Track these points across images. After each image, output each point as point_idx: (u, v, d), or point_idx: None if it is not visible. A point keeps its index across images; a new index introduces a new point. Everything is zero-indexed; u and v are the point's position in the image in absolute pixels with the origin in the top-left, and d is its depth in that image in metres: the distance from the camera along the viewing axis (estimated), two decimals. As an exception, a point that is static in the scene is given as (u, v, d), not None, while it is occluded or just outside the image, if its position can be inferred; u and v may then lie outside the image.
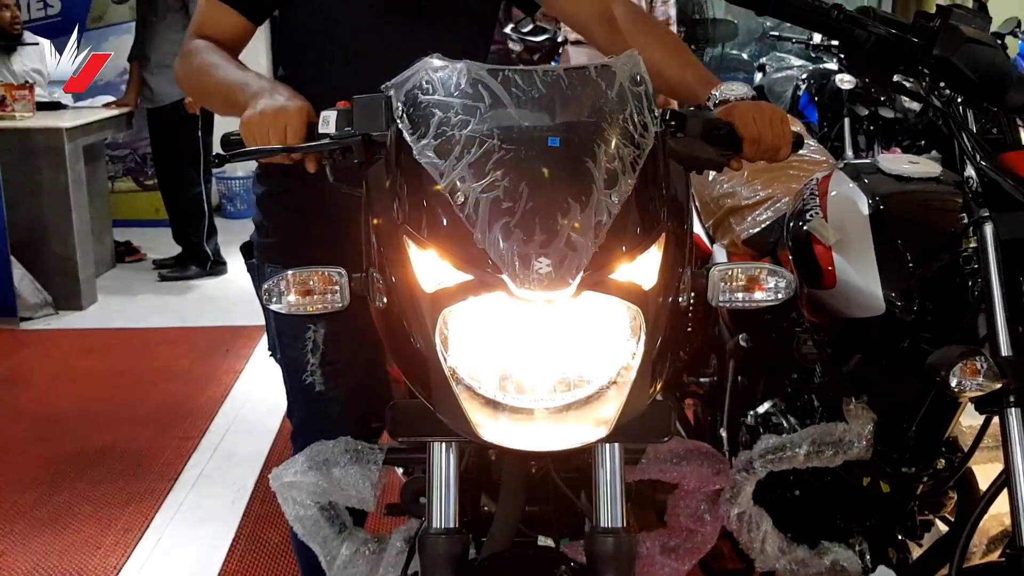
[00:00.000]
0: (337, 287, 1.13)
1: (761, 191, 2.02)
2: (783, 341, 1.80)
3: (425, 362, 1.03)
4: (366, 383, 1.69)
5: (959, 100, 1.22)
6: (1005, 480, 1.21)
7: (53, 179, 4.45)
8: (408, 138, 1.06)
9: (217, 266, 5.17)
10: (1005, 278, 1.21)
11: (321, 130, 1.20)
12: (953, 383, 1.16)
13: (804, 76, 5.25)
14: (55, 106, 4.81)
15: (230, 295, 4.83)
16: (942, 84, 1.22)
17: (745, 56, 8.04)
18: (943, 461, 1.49)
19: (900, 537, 1.64)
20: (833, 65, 5.02)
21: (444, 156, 1.02)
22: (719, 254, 2.09)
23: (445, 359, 1.01)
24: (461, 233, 0.99)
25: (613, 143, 1.05)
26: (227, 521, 2.64)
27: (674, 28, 4.36)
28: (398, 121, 1.10)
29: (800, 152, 2.08)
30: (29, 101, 4.54)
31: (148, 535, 2.57)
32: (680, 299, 1.11)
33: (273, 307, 1.13)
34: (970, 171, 1.25)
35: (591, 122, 1.06)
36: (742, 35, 7.91)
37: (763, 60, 6.33)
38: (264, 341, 1.80)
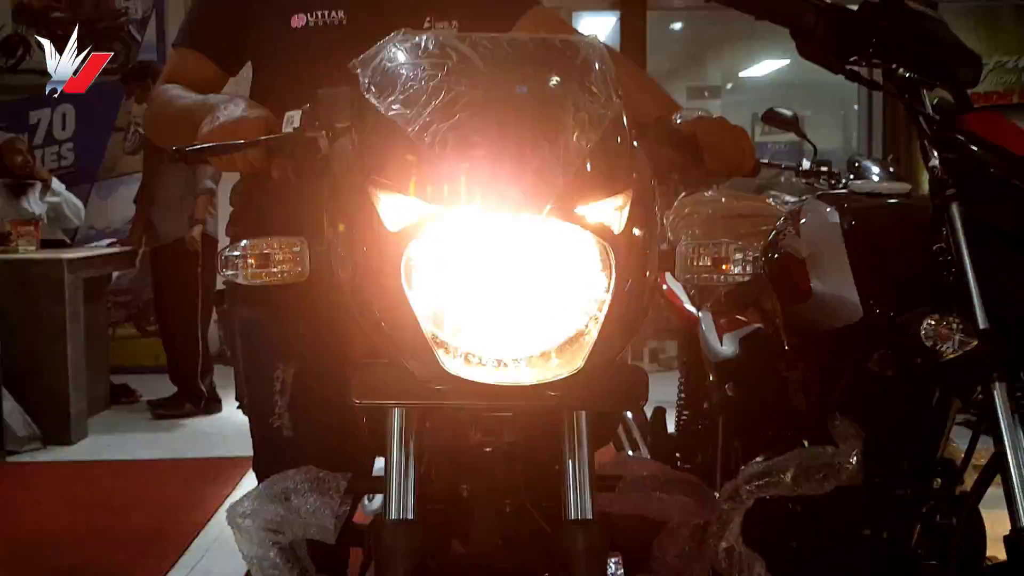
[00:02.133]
0: (298, 257, 1.09)
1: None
2: (773, 390, 1.75)
3: (390, 307, 0.98)
4: (334, 427, 1.62)
5: (914, 79, 1.23)
6: (997, 462, 1.13)
7: (51, 311, 4.47)
8: (375, 102, 1.04)
9: (212, 404, 5.11)
10: (985, 256, 1.18)
11: (286, 130, 1.20)
12: (927, 339, 1.10)
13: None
14: (59, 244, 4.91)
15: (223, 430, 4.76)
16: (894, 66, 1.24)
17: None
18: (939, 480, 1.40)
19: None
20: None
21: (411, 106, 1.00)
22: (705, 318, 2.06)
23: (412, 296, 0.96)
24: (429, 169, 0.97)
25: (580, 97, 1.04)
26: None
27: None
28: (365, 92, 1.07)
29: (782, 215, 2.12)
30: (34, 237, 4.64)
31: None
32: (647, 271, 1.08)
33: (229, 275, 1.09)
34: (935, 161, 1.25)
35: (557, 79, 1.06)
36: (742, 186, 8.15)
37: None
38: (251, 476, 1.73)
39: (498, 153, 0.95)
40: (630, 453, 2.32)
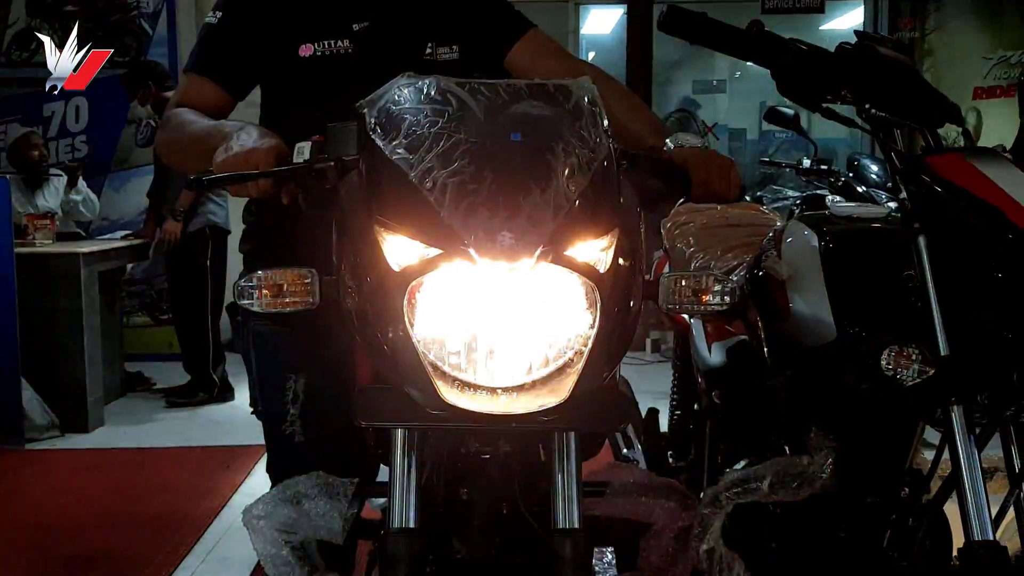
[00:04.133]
0: (309, 287, 1.19)
1: (732, 262, 2.10)
2: (756, 398, 1.84)
3: (394, 339, 1.07)
4: (344, 434, 1.72)
5: (886, 119, 1.32)
6: (954, 478, 1.22)
7: (68, 303, 4.58)
8: (380, 144, 1.14)
9: (224, 393, 5.23)
10: (948, 287, 1.26)
11: (295, 160, 1.29)
12: (887, 367, 1.19)
13: (798, 202, 5.44)
14: (74, 236, 5.02)
15: (235, 419, 4.86)
16: (867, 106, 1.32)
17: (747, 198, 8.29)
18: (907, 490, 1.50)
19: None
20: (824, 191, 5.20)
21: (414, 151, 1.10)
22: (696, 326, 2.15)
23: (413, 331, 1.06)
24: (430, 215, 1.05)
25: (570, 143, 1.13)
26: (215, 620, 2.60)
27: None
28: (371, 133, 1.16)
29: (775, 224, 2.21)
30: (50, 230, 4.75)
31: (135, 632, 2.53)
32: (631, 302, 1.17)
33: (244, 303, 1.19)
34: (904, 194, 1.33)
35: (550, 125, 1.15)
36: (743, 173, 8.19)
37: (760, 193, 6.56)
38: (264, 459, 1.84)
39: (493, 200, 1.04)
40: (625, 451, 2.41)
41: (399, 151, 1.11)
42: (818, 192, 5.35)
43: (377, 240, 1.10)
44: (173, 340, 5.51)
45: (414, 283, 1.05)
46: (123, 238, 5.10)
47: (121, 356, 5.47)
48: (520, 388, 1.06)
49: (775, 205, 6.05)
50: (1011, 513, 1.29)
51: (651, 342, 6.03)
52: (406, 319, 1.05)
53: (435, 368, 1.06)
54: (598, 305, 1.06)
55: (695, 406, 2.22)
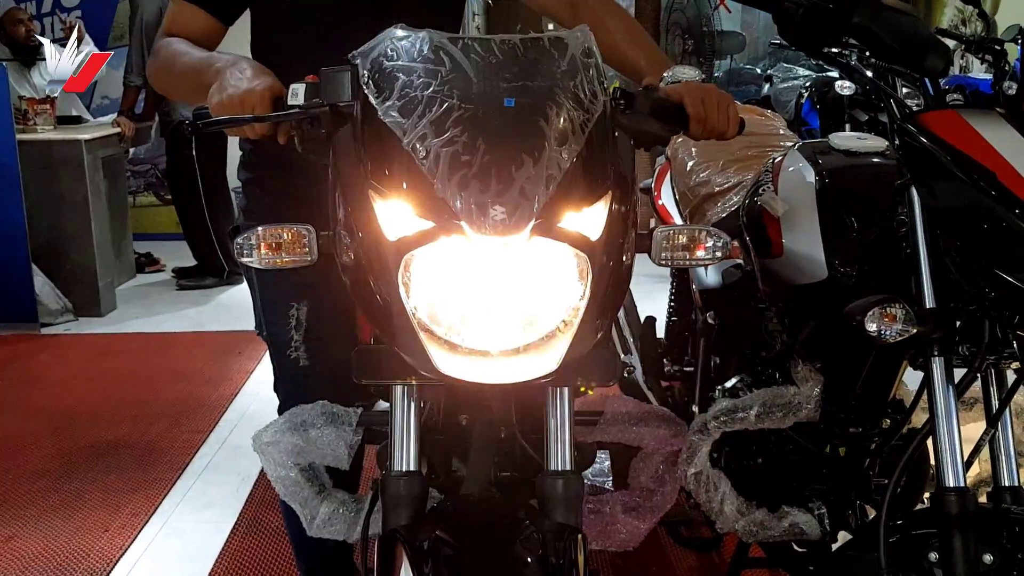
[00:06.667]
0: (306, 242, 1.21)
1: (733, 178, 2.11)
2: (748, 319, 1.88)
3: (389, 306, 1.10)
4: (345, 361, 1.77)
5: (886, 68, 1.30)
6: (930, 427, 1.28)
7: (73, 190, 4.61)
8: (373, 101, 1.13)
9: (234, 276, 5.30)
10: (936, 240, 1.28)
11: (290, 102, 1.26)
12: (871, 328, 1.23)
13: (807, 84, 5.34)
14: (75, 120, 4.98)
15: (245, 303, 4.87)
16: (867, 54, 1.30)
17: (758, 71, 8.13)
18: (888, 421, 1.56)
19: (858, 503, 1.71)
20: (835, 73, 5.09)
21: (407, 115, 1.09)
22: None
23: (407, 301, 1.08)
24: (423, 185, 1.06)
25: (564, 106, 1.12)
26: (230, 506, 2.74)
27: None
28: (364, 87, 1.16)
29: (781, 142, 2.20)
30: (50, 115, 4.71)
31: (155, 519, 2.68)
32: (624, 257, 1.19)
33: (245, 260, 1.22)
34: (898, 143, 1.33)
35: (544, 86, 1.13)
36: (756, 49, 8.00)
37: (771, 71, 6.43)
38: None
39: (486, 173, 1.05)
40: (622, 356, 2.48)
41: (392, 113, 1.11)
42: (828, 75, 5.25)
43: (371, 203, 1.11)
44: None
45: (408, 256, 1.07)
46: (113, 123, 5.01)
47: (130, 238, 5.52)
48: (511, 355, 1.10)
49: (784, 85, 5.93)
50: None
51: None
52: (401, 290, 1.08)
53: (428, 334, 1.10)
54: (589, 277, 1.08)
55: (691, 316, 2.26)
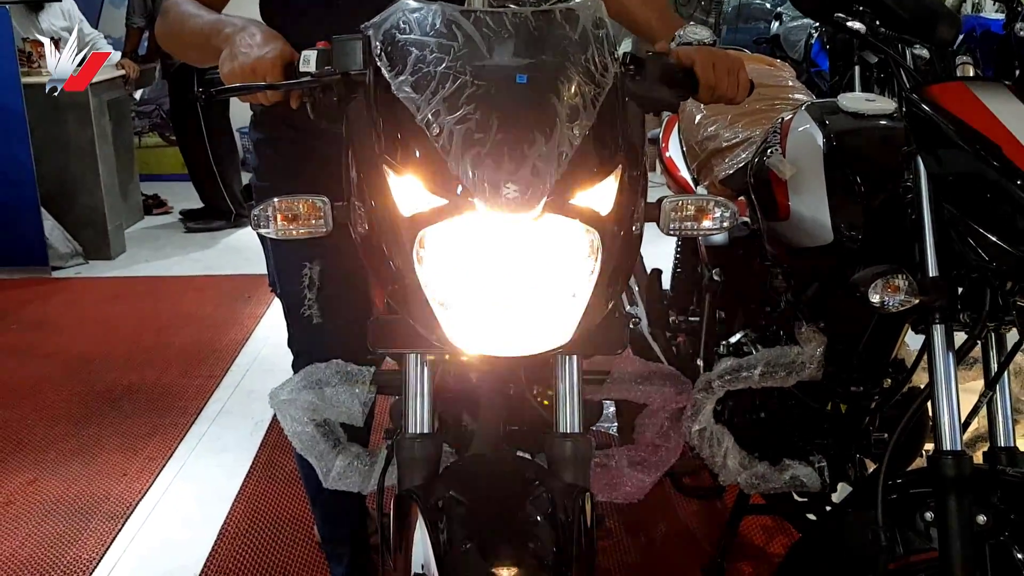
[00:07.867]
0: (321, 213, 1.23)
1: (741, 133, 2.11)
2: (754, 276, 1.91)
3: (404, 279, 1.13)
4: (360, 316, 1.80)
5: (896, 37, 1.30)
6: (930, 391, 1.31)
7: (79, 133, 4.61)
8: (386, 74, 1.14)
9: (240, 219, 5.32)
10: (941, 209, 1.30)
11: (302, 69, 1.27)
12: (874, 299, 1.26)
13: (817, 24, 5.26)
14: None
15: (252, 246, 4.88)
16: (878, 23, 1.31)
17: (768, 5, 8.00)
18: (889, 380, 1.60)
19: (858, 456, 1.75)
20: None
21: (420, 91, 1.10)
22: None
23: (422, 276, 1.11)
24: (436, 161, 1.08)
25: (575, 81, 1.13)
26: (245, 450, 2.81)
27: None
28: (376, 59, 1.17)
29: (790, 95, 2.19)
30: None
31: (171, 463, 2.75)
32: (634, 227, 1.21)
33: (261, 231, 1.25)
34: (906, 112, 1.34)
35: (556, 61, 1.14)
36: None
37: (780, 9, 6.33)
38: None
39: (498, 151, 1.07)
40: (628, 308, 2.51)
41: (405, 88, 1.12)
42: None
43: (385, 178, 1.13)
44: (186, 161, 5.54)
45: (422, 232, 1.10)
46: (117, 65, 4.98)
47: (137, 180, 5.54)
48: (523, 330, 1.13)
49: (794, 24, 5.85)
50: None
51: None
52: (416, 267, 1.11)
53: (441, 307, 1.13)
54: (599, 253, 1.11)
55: (697, 269, 2.28)
